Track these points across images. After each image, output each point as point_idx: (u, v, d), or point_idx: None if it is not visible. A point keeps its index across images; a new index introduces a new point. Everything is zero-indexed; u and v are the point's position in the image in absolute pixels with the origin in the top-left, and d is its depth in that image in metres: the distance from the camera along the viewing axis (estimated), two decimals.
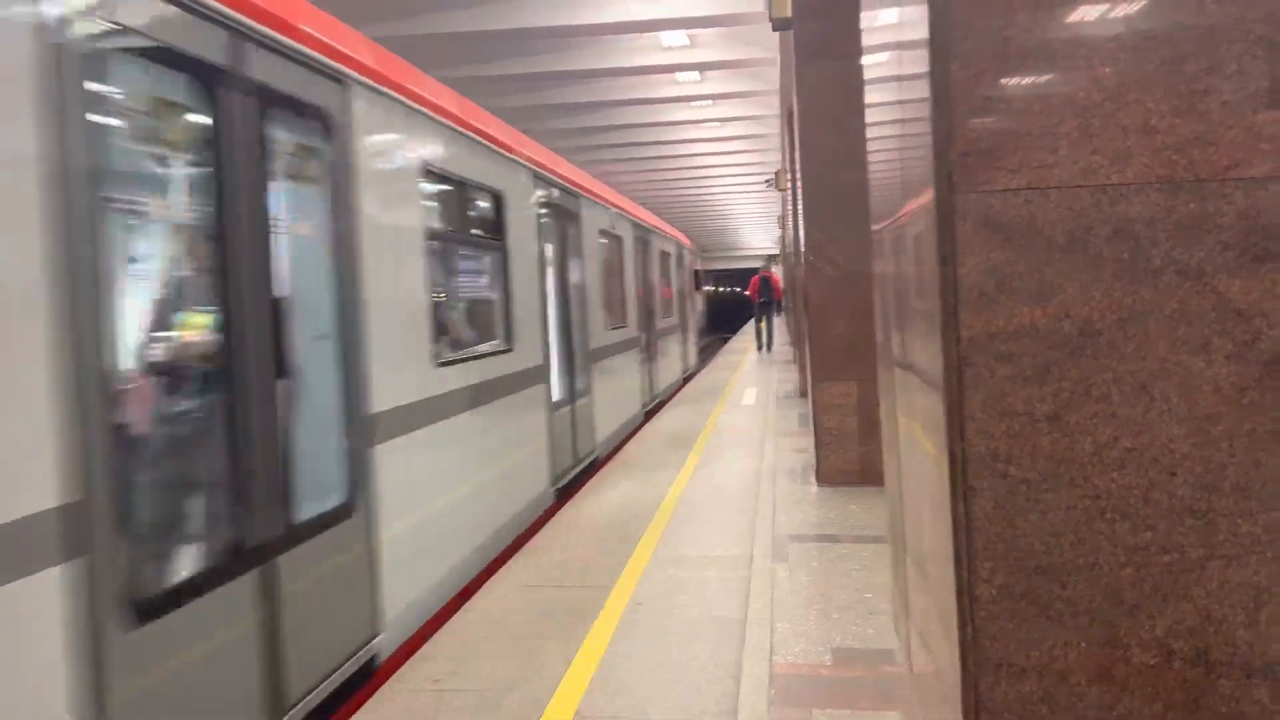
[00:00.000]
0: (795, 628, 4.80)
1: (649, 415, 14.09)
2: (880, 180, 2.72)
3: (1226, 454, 1.73)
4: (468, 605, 5.40)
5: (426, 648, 4.79)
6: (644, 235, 14.69)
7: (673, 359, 17.88)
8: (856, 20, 7.81)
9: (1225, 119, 1.72)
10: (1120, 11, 1.74)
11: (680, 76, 19.30)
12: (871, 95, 2.90)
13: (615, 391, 11.48)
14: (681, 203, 43.39)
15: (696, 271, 24.36)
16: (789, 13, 8.47)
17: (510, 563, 6.21)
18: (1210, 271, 1.72)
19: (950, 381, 1.78)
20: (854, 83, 7.70)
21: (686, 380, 19.55)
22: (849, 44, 7.95)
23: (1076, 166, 1.75)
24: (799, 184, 8.45)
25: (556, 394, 8.57)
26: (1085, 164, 1.75)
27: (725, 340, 43.12)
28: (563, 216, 9.23)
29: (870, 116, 2.92)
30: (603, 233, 11.11)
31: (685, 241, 21.65)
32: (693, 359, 21.75)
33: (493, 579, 5.89)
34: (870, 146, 2.98)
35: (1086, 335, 1.75)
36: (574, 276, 9.64)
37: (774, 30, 9.53)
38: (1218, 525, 1.73)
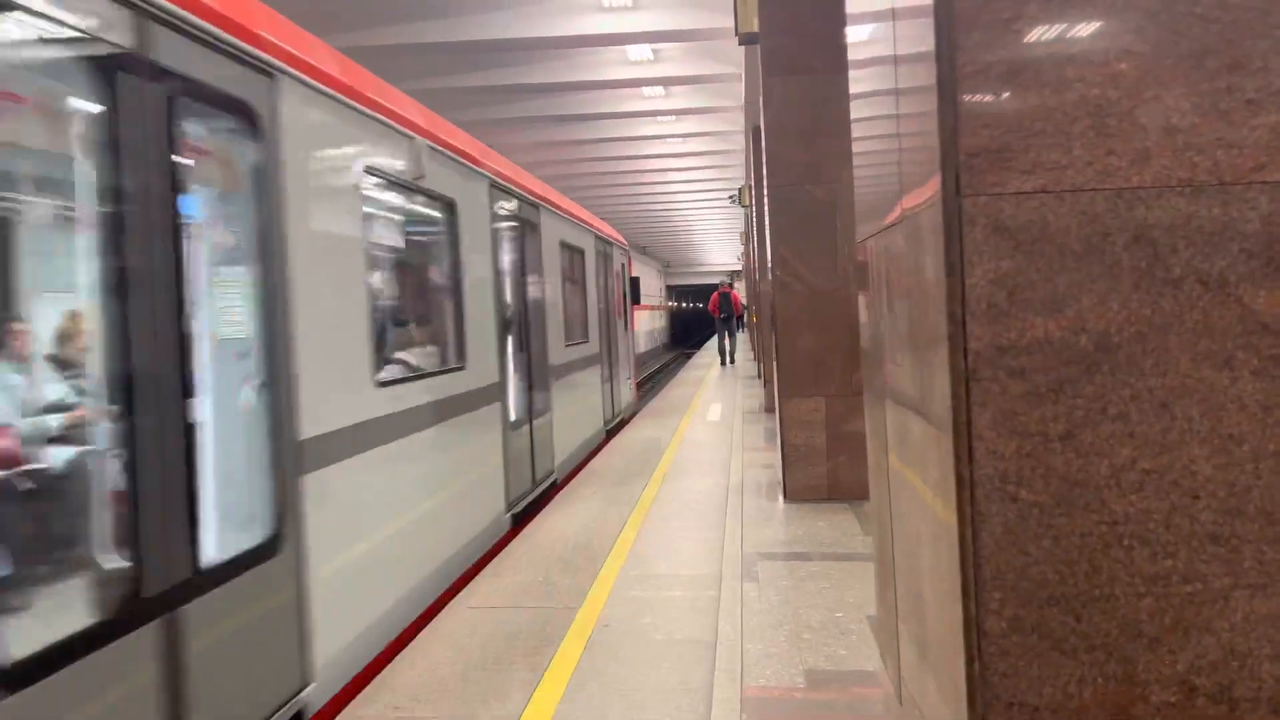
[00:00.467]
0: (766, 649, 4.68)
1: (530, 512, 8.31)
2: (870, 187, 2.60)
3: (1252, 476, 1.62)
4: (429, 628, 5.21)
5: (386, 674, 4.60)
6: (521, 211, 8.71)
7: (586, 406, 11.76)
8: (824, 35, 7.79)
9: (1249, 118, 1.61)
10: (1137, 4, 1.63)
11: (646, 91, 19.25)
12: (860, 92, 2.79)
13: (427, 508, 5.81)
14: (646, 218, 43.41)
15: (634, 279, 17.43)
16: (755, 27, 8.42)
17: (472, 584, 6.02)
18: (1234, 281, 1.61)
19: (957, 399, 1.65)
20: (821, 98, 7.79)
21: (614, 431, 13.73)
22: (817, 59, 8.00)
23: (1092, 168, 1.64)
24: (765, 200, 8.39)
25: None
26: (1101, 165, 1.64)
27: (689, 356, 43.21)
28: (238, 135, 4.02)
29: (859, 117, 2.80)
30: (394, 186, 5.67)
31: (614, 236, 15.16)
32: (625, 399, 15.47)
33: (454, 600, 5.70)
34: (857, 152, 2.86)
35: (1103, 349, 1.64)
36: (286, 276, 4.20)
37: (740, 44, 9.49)
38: (1243, 552, 1.62)
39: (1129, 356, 1.63)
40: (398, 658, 4.82)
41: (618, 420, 14.22)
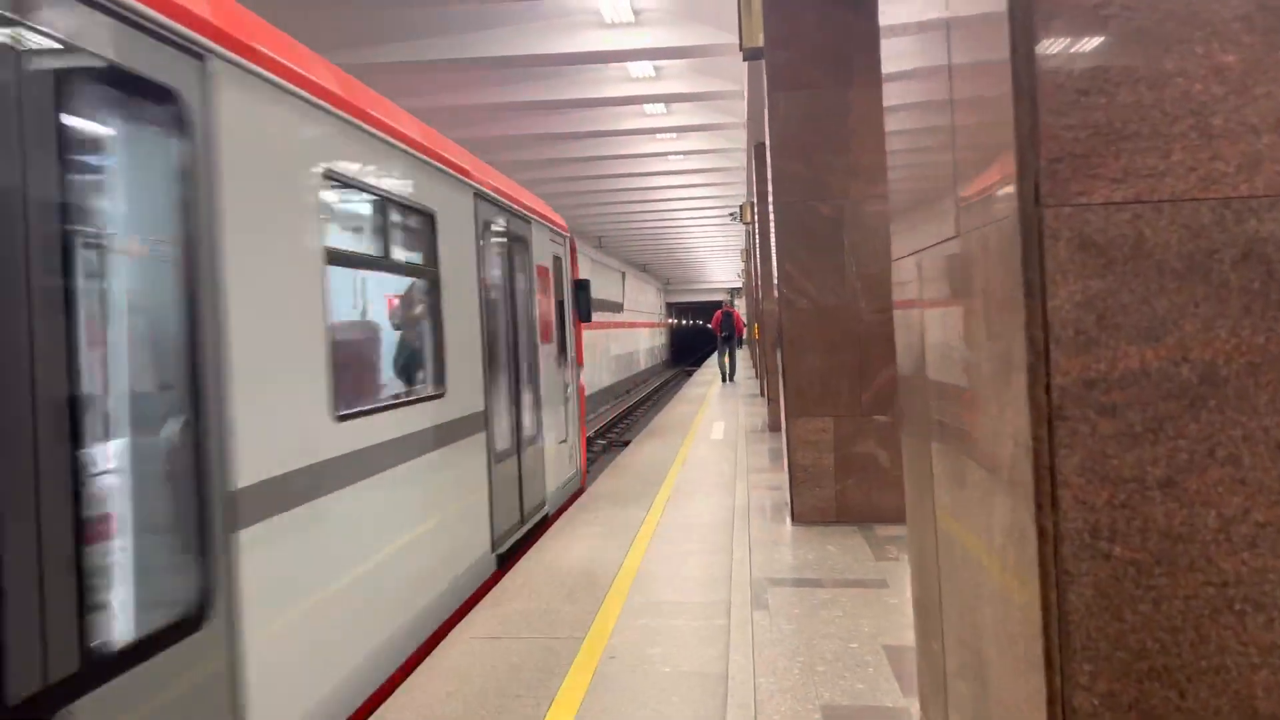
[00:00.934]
0: (779, 683, 4.47)
1: None
2: (914, 201, 2.38)
3: None
4: (429, 661, 4.99)
5: (383, 711, 4.37)
6: (130, 64, 2.87)
7: (433, 530, 5.73)
8: (829, 50, 7.59)
9: None
10: None
11: (648, 108, 19.13)
12: (902, 104, 2.58)
13: None
14: (647, 236, 43.27)
15: (581, 283, 11.28)
16: (760, 42, 8.28)
17: (472, 614, 5.79)
18: None
19: (1039, 440, 1.43)
20: (827, 112, 7.61)
21: (523, 545, 8.06)
22: (822, 73, 7.85)
23: (1194, 175, 1.43)
24: (770, 216, 8.22)
25: None
26: (1205, 172, 1.43)
27: (690, 374, 43.14)
28: None
29: (900, 129, 2.59)
30: None
31: (538, 211, 9.28)
32: (555, 480, 9.42)
33: (453, 631, 5.47)
34: (896, 165, 2.65)
35: (1209, 382, 1.42)
36: None
37: (745, 60, 9.35)
38: None
39: (1239, 390, 1.42)
40: (396, 692, 4.59)
41: (537, 518, 8.54)
